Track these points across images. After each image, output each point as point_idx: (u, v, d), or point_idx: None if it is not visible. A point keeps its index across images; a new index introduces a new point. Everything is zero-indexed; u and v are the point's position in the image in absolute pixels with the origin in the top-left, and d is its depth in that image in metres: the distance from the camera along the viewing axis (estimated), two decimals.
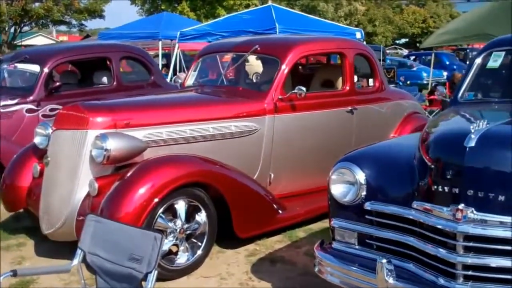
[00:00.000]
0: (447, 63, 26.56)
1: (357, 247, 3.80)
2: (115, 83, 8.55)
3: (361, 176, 3.75)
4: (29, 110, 7.71)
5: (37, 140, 5.53)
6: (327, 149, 6.26)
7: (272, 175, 5.89)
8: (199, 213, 4.97)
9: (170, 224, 4.80)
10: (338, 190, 3.85)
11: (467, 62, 27.35)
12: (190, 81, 6.70)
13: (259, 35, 13.79)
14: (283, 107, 5.86)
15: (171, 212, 4.84)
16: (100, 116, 5.02)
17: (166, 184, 4.66)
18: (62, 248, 5.12)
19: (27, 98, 7.73)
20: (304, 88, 5.75)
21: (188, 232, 4.91)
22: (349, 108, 6.40)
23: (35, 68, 8.18)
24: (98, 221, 3.51)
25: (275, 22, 13.08)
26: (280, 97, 5.82)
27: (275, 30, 12.93)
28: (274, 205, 5.53)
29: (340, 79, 6.59)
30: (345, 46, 6.54)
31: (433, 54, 16.73)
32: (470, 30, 15.30)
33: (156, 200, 4.59)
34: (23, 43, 43.86)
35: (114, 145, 4.79)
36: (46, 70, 7.86)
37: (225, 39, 7.34)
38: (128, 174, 4.74)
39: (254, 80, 6.50)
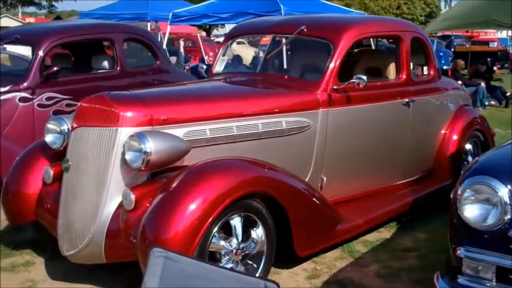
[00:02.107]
0: (434, 50, 25.94)
1: (495, 284, 2.96)
2: (118, 68, 7.55)
3: (504, 193, 2.90)
4: (22, 99, 6.66)
5: (49, 138, 4.54)
6: (381, 148, 5.44)
7: (325, 179, 5.01)
8: (254, 229, 4.07)
9: (225, 245, 3.89)
10: (472, 212, 3.00)
11: (452, 50, 26.83)
12: (219, 68, 5.76)
13: (261, 16, 12.96)
14: (338, 99, 4.98)
15: (223, 229, 3.94)
16: (134, 110, 4.07)
17: (222, 197, 3.74)
18: (79, 267, 4.26)
19: (20, 85, 6.67)
20: (364, 77, 4.87)
21: (245, 252, 4.01)
22: (406, 100, 5.55)
23: (28, 50, 7.13)
24: (169, 258, 2.60)
25: (279, 4, 12.12)
26: (335, 87, 4.93)
27: (280, 12, 11.99)
28: (334, 216, 4.65)
29: (391, 67, 5.73)
30: (401, 28, 5.66)
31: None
32: (476, 16, 14.61)
33: (211, 217, 3.68)
34: None
35: (155, 147, 3.85)
36: (41, 52, 6.81)
37: (259, 18, 6.41)
38: (174, 185, 3.80)
39: (297, 68, 5.57)
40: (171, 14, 13.90)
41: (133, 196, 3.83)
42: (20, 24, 58.65)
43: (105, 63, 7.72)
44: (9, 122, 6.59)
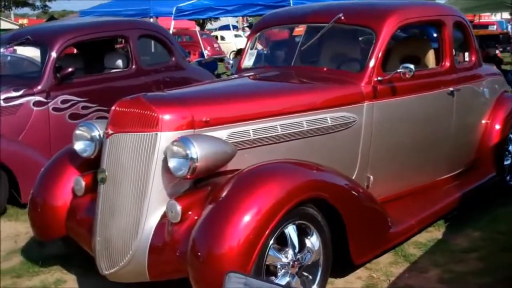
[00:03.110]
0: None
1: None
2: (133, 66, 7.19)
3: None
4: (37, 103, 6.32)
5: (78, 145, 4.17)
6: (427, 141, 5.12)
7: (371, 178, 4.66)
8: (308, 237, 3.73)
9: (281, 257, 3.55)
10: None
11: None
12: (248, 62, 5.40)
13: (269, 7, 12.53)
14: (383, 91, 4.63)
15: (277, 239, 3.58)
16: (174, 113, 3.71)
17: (278, 205, 3.38)
18: (115, 285, 3.89)
19: (34, 89, 6.32)
20: (412, 66, 4.52)
21: (301, 264, 3.66)
22: (450, 89, 5.20)
23: (41, 51, 6.77)
24: (249, 285, 2.25)
25: None
26: (379, 78, 4.59)
27: (289, 2, 11.61)
28: (387, 219, 4.31)
29: (430, 54, 5.38)
30: (444, 12, 5.31)
31: None
32: None
33: (268, 229, 3.33)
34: None
35: (201, 153, 3.50)
36: (54, 53, 6.45)
37: (289, 7, 6.05)
38: (223, 194, 3.45)
39: (335, 59, 5.20)
40: (174, 8, 13.51)
41: (179, 208, 3.48)
42: (17, 26, 58.27)
43: (119, 62, 7.37)
44: (24, 128, 6.26)
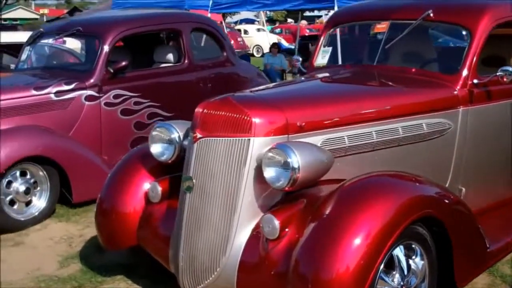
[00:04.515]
0: None
1: None
2: (186, 61, 6.83)
3: None
4: (89, 98, 5.98)
5: (155, 148, 3.82)
6: None
7: (463, 190, 4.29)
8: (413, 258, 3.35)
9: (389, 281, 3.18)
10: None
11: None
12: (321, 60, 5.02)
13: (312, 2, 12.16)
14: (479, 95, 4.25)
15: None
16: (267, 116, 3.36)
17: (391, 226, 3.00)
18: None
19: (86, 82, 5.97)
20: (511, 69, 4.12)
21: None
22: None
23: (92, 43, 6.44)
24: None
25: None
26: (475, 81, 4.20)
27: None
28: (484, 236, 3.92)
29: None
30: None
31: None
32: None
33: (382, 254, 2.96)
34: (3, 16, 41.45)
35: (303, 162, 3.14)
36: (107, 46, 6.11)
37: (370, 2, 5.65)
38: (327, 211, 3.08)
39: (422, 59, 4.80)
40: (211, 1, 13.14)
41: (277, 223, 3.12)
42: (37, 15, 58.26)
43: (170, 56, 7.01)
44: (75, 123, 5.93)
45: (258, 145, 3.29)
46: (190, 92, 6.78)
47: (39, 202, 5.44)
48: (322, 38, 5.13)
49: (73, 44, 8.38)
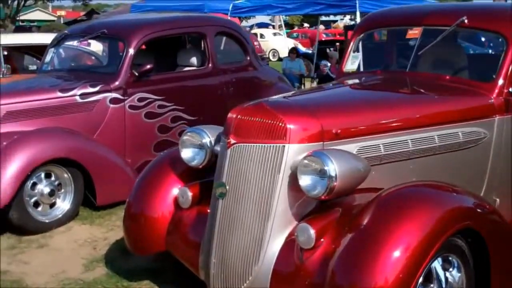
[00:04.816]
0: None
1: None
2: (210, 65, 6.78)
3: None
4: (113, 100, 5.94)
5: (186, 153, 3.77)
6: None
7: (498, 201, 4.20)
8: (450, 270, 3.27)
9: None
10: None
11: None
12: (351, 66, 4.95)
13: (333, 7, 12.09)
14: None
15: None
16: (302, 123, 3.30)
17: (430, 239, 2.93)
18: None
19: (111, 85, 5.94)
20: None
21: None
22: None
23: (117, 45, 6.42)
24: None
25: None
26: (511, 90, 4.12)
27: (355, 0, 11.14)
28: None
29: None
30: None
31: None
32: None
33: (421, 268, 2.89)
34: (21, 17, 41.76)
35: (340, 170, 3.08)
36: (132, 48, 6.07)
37: (402, 6, 5.59)
38: (364, 221, 3.01)
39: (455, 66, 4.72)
40: (231, 5, 13.11)
41: (312, 232, 3.06)
42: (54, 17, 58.61)
43: (193, 60, 6.98)
44: (99, 125, 5.90)
45: (293, 152, 3.24)
46: (213, 96, 6.75)
47: (63, 204, 5.41)
48: (351, 43, 5.05)
49: (96, 46, 8.39)
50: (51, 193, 5.30)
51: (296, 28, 43.11)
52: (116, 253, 4.73)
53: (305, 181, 3.14)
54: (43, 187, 5.28)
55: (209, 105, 6.66)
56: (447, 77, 4.38)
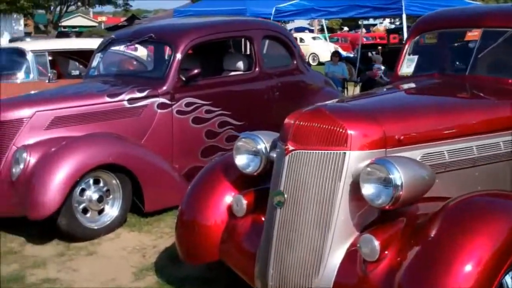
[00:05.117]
0: None
1: None
2: (257, 69, 6.67)
3: None
4: (161, 105, 5.88)
5: (240, 160, 3.66)
6: None
7: None
8: None
9: None
10: None
11: None
12: (407, 69, 4.78)
13: (378, 10, 11.87)
14: None
15: None
16: (364, 129, 3.17)
17: (504, 253, 2.76)
18: None
19: (159, 90, 5.88)
20: None
21: None
22: None
23: (164, 50, 6.37)
24: None
25: None
26: None
27: (401, 4, 10.91)
28: None
29: None
30: None
31: None
32: None
33: (495, 284, 2.73)
34: (63, 23, 42.51)
35: (406, 179, 2.93)
36: (180, 53, 6.00)
37: (457, 8, 5.41)
38: (432, 233, 2.86)
39: None
40: (274, 9, 12.99)
41: (377, 244, 2.92)
42: (94, 23, 59.55)
43: (240, 64, 6.88)
44: (147, 131, 5.84)
45: (354, 159, 3.10)
46: (260, 100, 6.65)
47: (112, 211, 5.36)
48: (406, 46, 4.88)
49: (140, 51, 8.38)
50: (100, 199, 5.26)
51: (338, 32, 42.75)
52: (166, 261, 4.66)
53: (368, 190, 3.00)
54: (92, 193, 5.24)
55: (256, 110, 6.56)
56: (510, 81, 4.18)
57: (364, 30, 27.23)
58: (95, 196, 5.24)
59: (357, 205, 3.11)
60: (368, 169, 3.01)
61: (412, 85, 4.40)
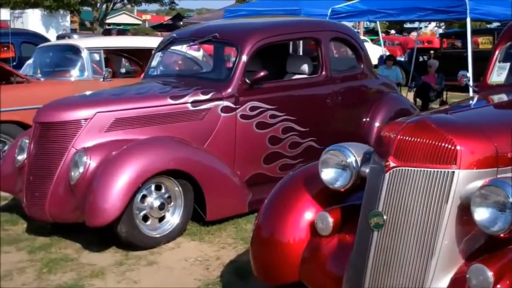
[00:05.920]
0: None
1: None
2: (323, 73, 6.34)
3: None
4: (225, 109, 5.61)
5: (328, 174, 3.34)
6: None
7: None
8: None
9: None
10: None
11: None
12: (497, 77, 4.41)
13: (441, 12, 11.39)
14: None
15: None
16: (475, 145, 2.82)
17: None
18: None
19: (223, 93, 5.61)
20: None
21: None
22: None
23: (225, 50, 6.11)
24: None
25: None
26: None
27: (465, 7, 10.44)
28: None
29: None
30: None
31: None
32: None
33: None
34: (108, 21, 42.81)
35: None
36: (245, 54, 5.72)
37: None
38: None
39: None
40: (330, 10, 12.62)
41: (490, 275, 2.57)
42: (139, 21, 60.05)
43: (304, 67, 6.58)
44: (210, 135, 5.57)
45: (463, 178, 2.76)
46: (323, 106, 6.33)
47: (173, 219, 5.12)
48: (497, 52, 4.51)
49: (194, 51, 8.12)
50: (161, 207, 5.01)
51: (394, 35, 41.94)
52: (232, 276, 4.39)
53: (482, 215, 2.66)
54: (153, 200, 5.00)
55: (319, 116, 6.26)
56: None
57: (415, 34, 26.61)
58: (157, 203, 4.99)
59: (464, 230, 2.77)
60: (483, 191, 2.67)
61: (503, 96, 4.02)
